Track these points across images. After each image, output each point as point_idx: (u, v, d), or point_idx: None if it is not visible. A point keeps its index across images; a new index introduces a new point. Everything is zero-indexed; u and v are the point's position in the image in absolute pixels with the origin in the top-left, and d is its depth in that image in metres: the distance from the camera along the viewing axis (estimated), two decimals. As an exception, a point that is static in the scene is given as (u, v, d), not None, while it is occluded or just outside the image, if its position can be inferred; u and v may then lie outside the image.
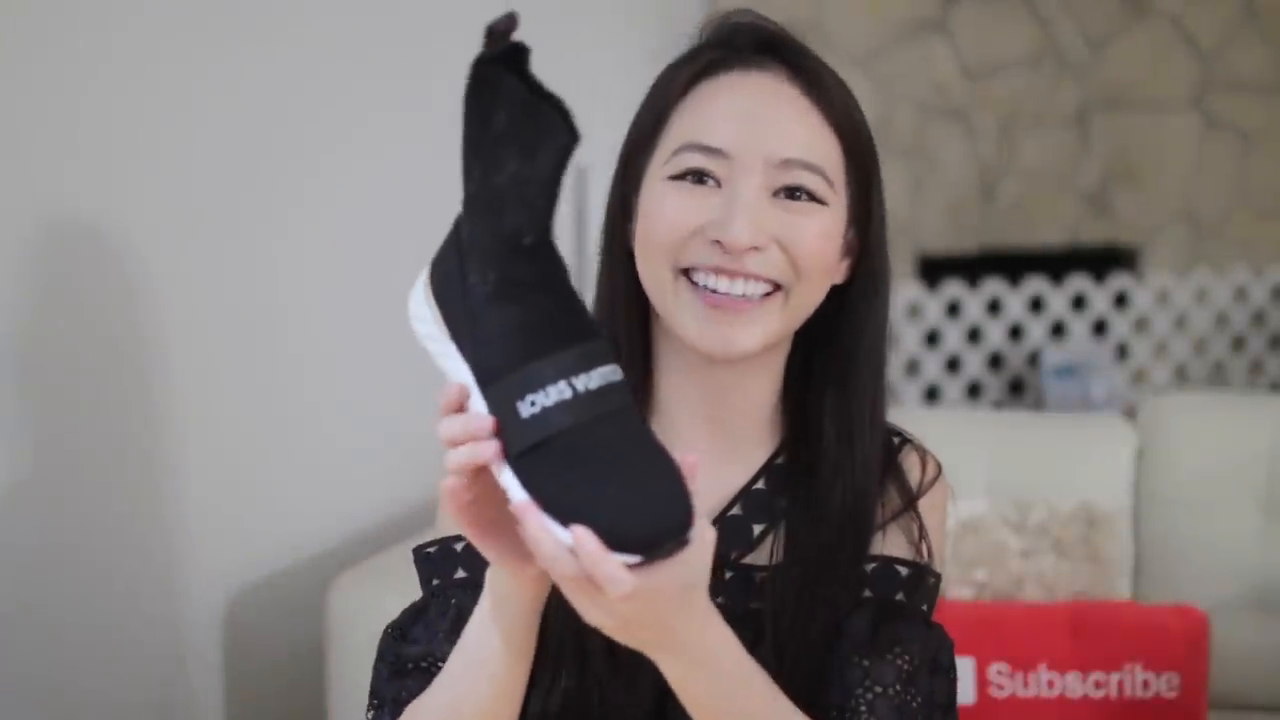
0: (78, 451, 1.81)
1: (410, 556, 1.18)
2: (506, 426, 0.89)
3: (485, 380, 0.90)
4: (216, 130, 1.96)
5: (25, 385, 1.74)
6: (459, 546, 1.13)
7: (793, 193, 1.08)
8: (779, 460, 1.16)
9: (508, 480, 0.89)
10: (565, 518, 0.86)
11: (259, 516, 2.08)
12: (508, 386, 0.89)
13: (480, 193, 0.91)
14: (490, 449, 0.88)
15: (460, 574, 1.12)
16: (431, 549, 1.15)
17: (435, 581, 1.13)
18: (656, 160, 1.11)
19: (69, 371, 1.79)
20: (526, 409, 0.88)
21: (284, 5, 2.05)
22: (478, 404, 0.91)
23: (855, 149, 1.12)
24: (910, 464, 1.17)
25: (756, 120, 1.09)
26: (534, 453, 0.88)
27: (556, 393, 0.88)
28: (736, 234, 1.05)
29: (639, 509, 0.86)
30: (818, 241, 1.08)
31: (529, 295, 0.90)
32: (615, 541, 0.85)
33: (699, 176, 1.08)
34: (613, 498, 0.86)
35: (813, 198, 1.09)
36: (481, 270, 0.92)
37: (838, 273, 1.13)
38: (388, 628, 1.13)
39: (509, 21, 0.89)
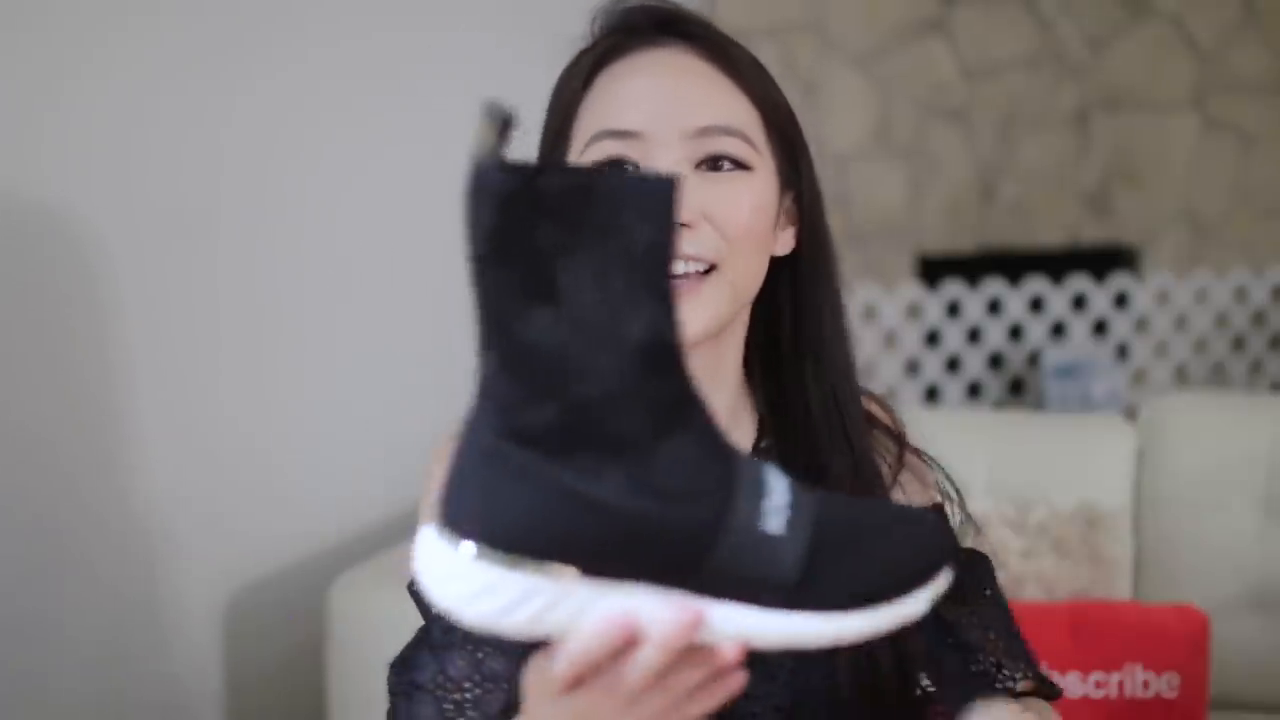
0: (77, 451, 1.81)
1: (410, 556, 1.17)
2: (761, 560, 0.71)
3: (706, 545, 0.71)
4: (210, 127, 1.96)
5: (22, 385, 1.74)
6: None
7: (716, 162, 1.04)
8: (763, 444, 1.13)
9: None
10: (863, 602, 0.73)
11: (259, 516, 2.07)
12: (747, 516, 0.71)
13: (548, 340, 0.69)
14: (742, 678, 0.77)
15: None
16: None
17: (435, 610, 1.11)
18: (571, 158, 1.07)
19: (69, 371, 1.78)
20: (775, 523, 0.72)
21: (276, 2, 2.05)
22: (713, 614, 0.72)
23: (773, 116, 1.08)
24: (876, 411, 1.18)
25: (666, 95, 1.04)
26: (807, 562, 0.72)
27: (776, 481, 0.73)
28: None
29: (918, 547, 0.76)
30: (748, 213, 1.04)
31: (686, 413, 0.72)
32: (921, 578, 0.75)
33: (615, 164, 1.04)
34: (894, 550, 0.75)
35: (737, 164, 1.05)
36: (612, 418, 0.70)
37: (779, 242, 1.11)
38: (392, 663, 1.10)
39: (506, 114, 0.68)
